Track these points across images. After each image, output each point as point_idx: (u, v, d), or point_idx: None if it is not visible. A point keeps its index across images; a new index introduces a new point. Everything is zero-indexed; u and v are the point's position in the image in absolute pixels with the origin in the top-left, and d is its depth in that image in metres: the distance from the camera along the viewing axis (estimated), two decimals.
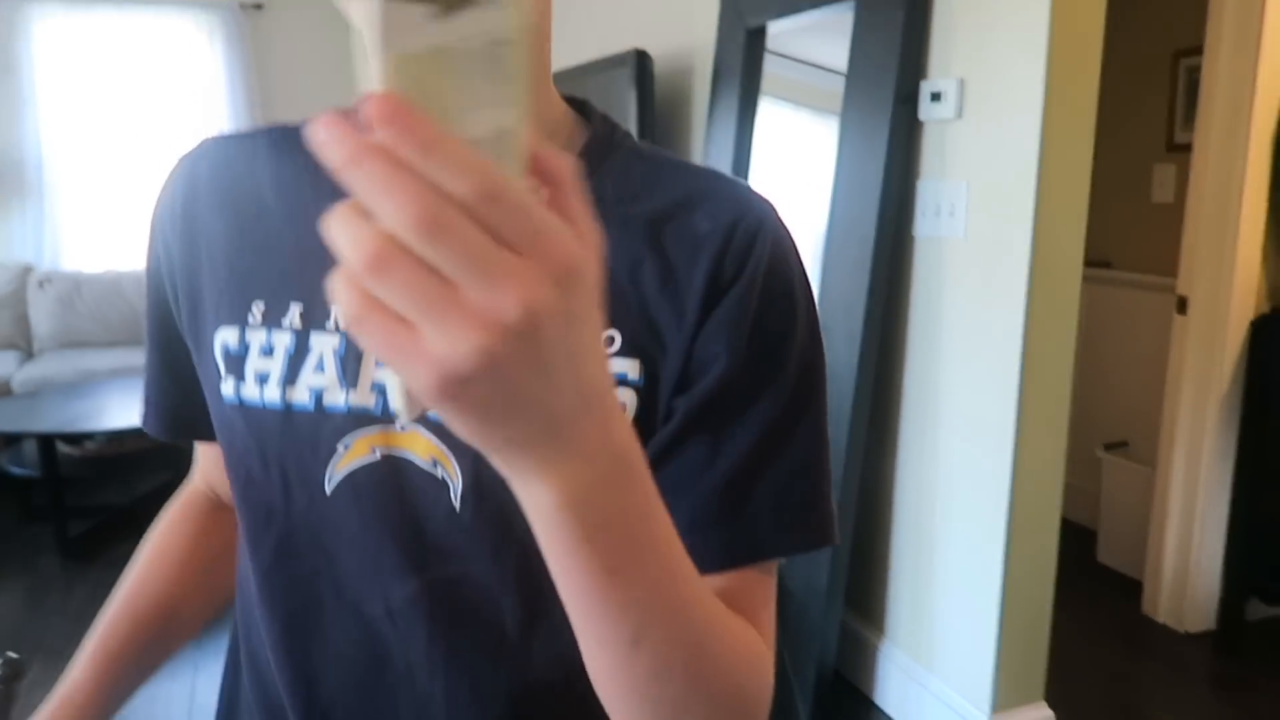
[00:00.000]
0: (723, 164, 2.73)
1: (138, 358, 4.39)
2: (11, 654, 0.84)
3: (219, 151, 0.64)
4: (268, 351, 0.58)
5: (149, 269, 0.66)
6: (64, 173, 4.82)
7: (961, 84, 1.98)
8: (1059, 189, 1.86)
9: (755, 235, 0.57)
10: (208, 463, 0.77)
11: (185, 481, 0.80)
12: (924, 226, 2.11)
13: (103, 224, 4.90)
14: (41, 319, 4.59)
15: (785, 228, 0.60)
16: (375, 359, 0.56)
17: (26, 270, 4.69)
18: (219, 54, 4.87)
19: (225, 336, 0.59)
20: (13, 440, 3.77)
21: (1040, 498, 2.01)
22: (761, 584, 0.57)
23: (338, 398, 0.57)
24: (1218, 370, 2.60)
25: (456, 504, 0.56)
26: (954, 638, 2.14)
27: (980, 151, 1.96)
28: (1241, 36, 2.48)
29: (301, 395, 0.57)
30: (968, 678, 2.09)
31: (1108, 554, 3.11)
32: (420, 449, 0.56)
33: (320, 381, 0.57)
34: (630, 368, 0.55)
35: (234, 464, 0.62)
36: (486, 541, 0.57)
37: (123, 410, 3.53)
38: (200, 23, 4.84)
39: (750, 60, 2.67)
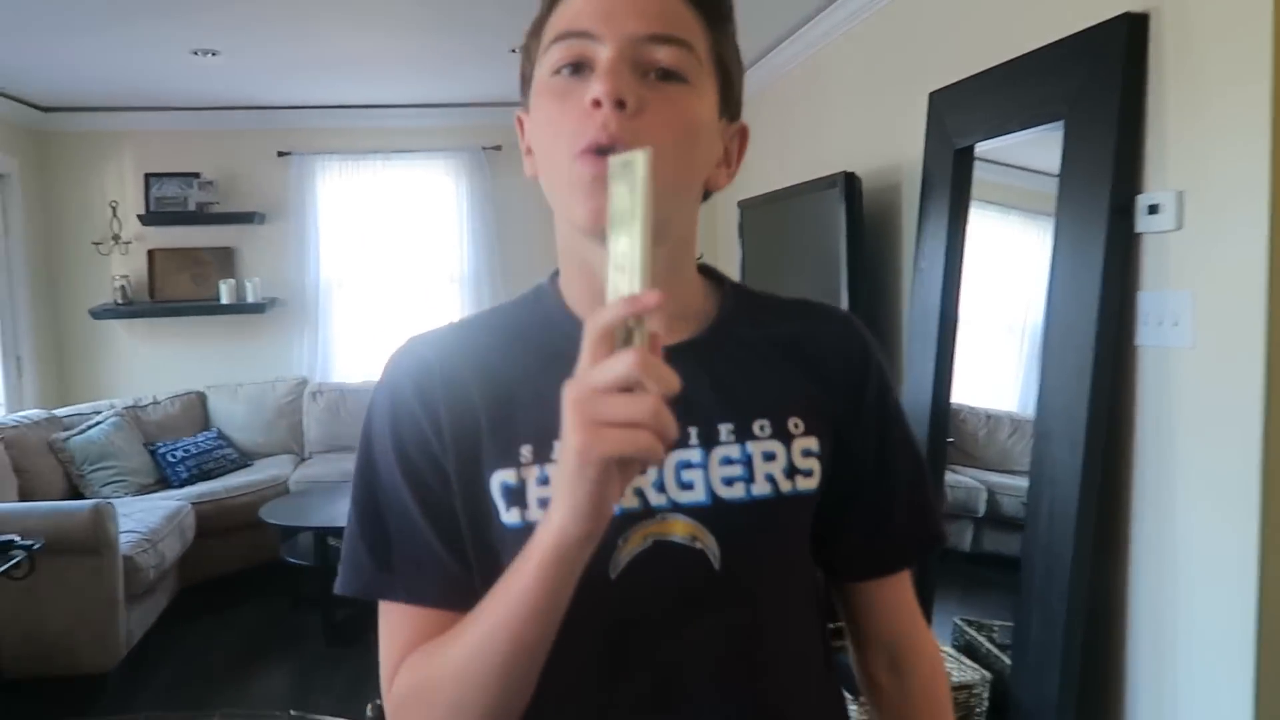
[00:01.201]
0: (934, 273, 2.82)
1: None
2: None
3: (444, 340, 0.80)
4: (543, 481, 0.73)
5: (400, 450, 0.75)
6: (336, 298, 5.53)
7: (1180, 196, 2.01)
8: None
9: (862, 338, 0.85)
10: (423, 636, 0.76)
11: (389, 679, 0.77)
12: (1147, 336, 2.11)
13: (364, 341, 5.56)
14: (312, 425, 5.22)
15: (863, 327, 0.87)
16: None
17: (302, 383, 5.36)
18: (464, 191, 5.50)
19: (502, 477, 0.74)
20: (290, 534, 4.30)
21: None
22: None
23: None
24: None
25: (717, 566, 0.74)
26: None
27: (1204, 261, 1.97)
28: None
29: None
30: None
31: None
32: (681, 530, 0.74)
33: None
34: (813, 443, 0.79)
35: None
36: (745, 594, 0.76)
37: None
38: (449, 166, 5.51)
39: (959, 177, 2.77)
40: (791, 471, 0.76)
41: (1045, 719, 2.20)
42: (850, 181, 3.17)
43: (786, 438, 0.77)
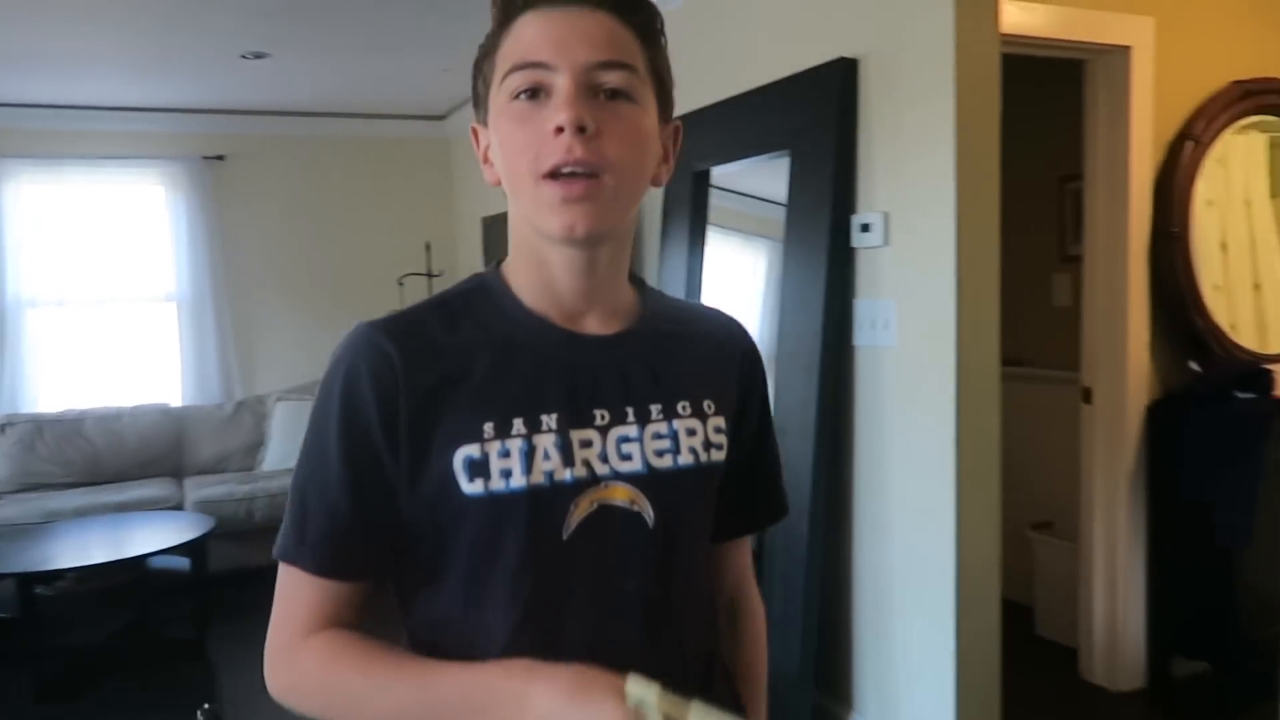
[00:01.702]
0: (677, 286, 3.05)
1: (100, 496, 4.45)
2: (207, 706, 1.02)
3: (400, 327, 0.84)
4: (505, 454, 0.80)
5: (346, 429, 0.80)
6: (30, 319, 4.94)
7: (886, 216, 2.34)
8: (974, 300, 2.20)
9: (749, 339, 0.99)
10: (333, 608, 0.83)
11: (289, 646, 0.83)
12: (862, 337, 2.44)
13: (65, 366, 5.00)
14: (2, 462, 4.62)
15: (747, 332, 1.01)
16: (581, 441, 0.82)
17: None
18: (180, 203, 5.11)
19: (466, 452, 0.79)
20: None
21: (982, 575, 2.27)
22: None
23: (564, 474, 0.81)
24: (1123, 451, 2.95)
25: (651, 525, 0.85)
26: (916, 707, 2.36)
27: (906, 273, 2.31)
28: (1112, 166, 2.93)
29: (540, 478, 0.80)
30: None
31: (1045, 626, 3.39)
32: (622, 495, 0.83)
33: (550, 466, 0.81)
34: (722, 422, 0.91)
35: (475, 548, 0.81)
36: (674, 550, 0.86)
37: (93, 548, 3.59)
38: (163, 175, 5.10)
39: (698, 197, 3.02)
40: (708, 445, 0.88)
41: (787, 688, 2.45)
42: None
43: (703, 416, 0.88)
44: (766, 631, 1.04)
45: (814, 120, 2.48)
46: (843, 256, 2.45)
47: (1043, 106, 3.37)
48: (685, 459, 0.86)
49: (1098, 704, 2.94)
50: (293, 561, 0.83)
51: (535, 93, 0.79)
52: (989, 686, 2.31)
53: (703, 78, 2.92)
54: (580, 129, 0.76)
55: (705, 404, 0.89)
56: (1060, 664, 3.15)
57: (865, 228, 2.39)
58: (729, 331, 0.98)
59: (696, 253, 3.03)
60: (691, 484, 0.87)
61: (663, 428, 0.86)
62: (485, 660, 0.78)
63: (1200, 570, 2.86)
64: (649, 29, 0.83)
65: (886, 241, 2.35)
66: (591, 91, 0.78)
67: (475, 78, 0.86)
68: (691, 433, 0.87)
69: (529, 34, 0.79)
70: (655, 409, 0.86)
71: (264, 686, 0.85)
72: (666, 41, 0.86)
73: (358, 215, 5.47)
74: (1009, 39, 2.33)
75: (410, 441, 0.80)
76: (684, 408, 0.87)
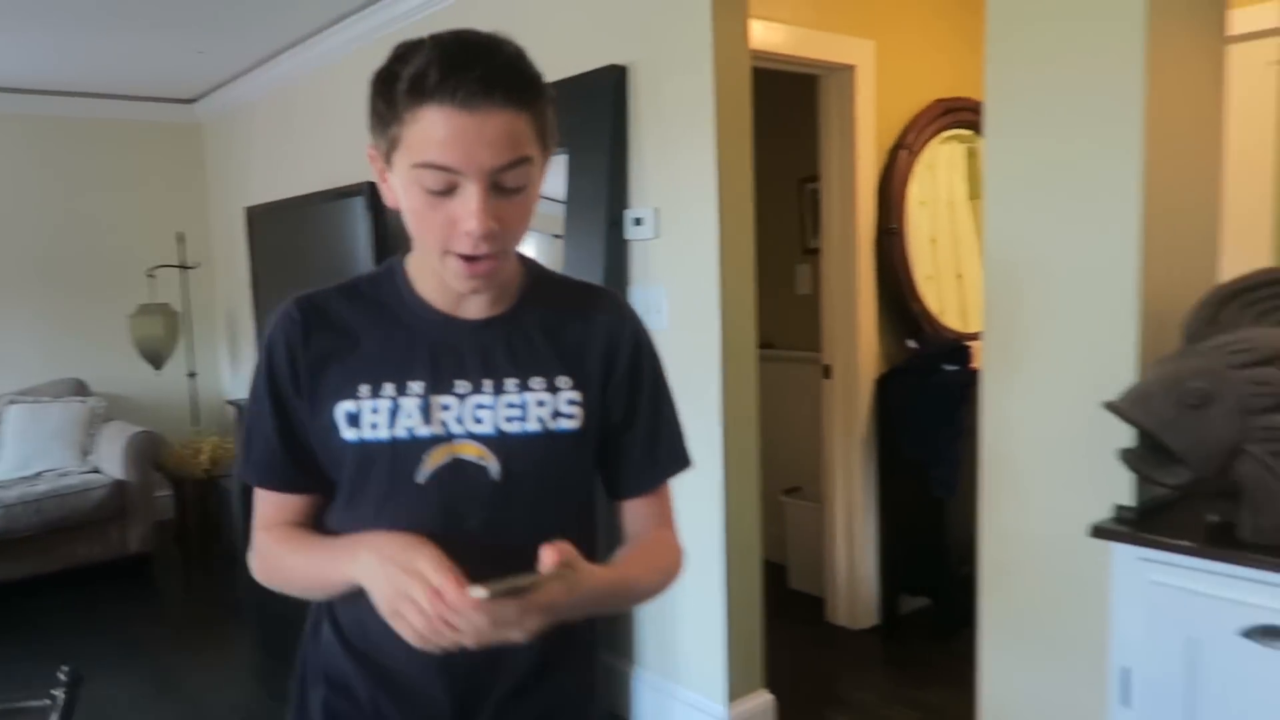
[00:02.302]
0: None
1: None
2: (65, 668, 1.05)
3: (313, 300, 1.05)
4: (375, 411, 1.00)
5: (270, 377, 1.03)
6: None
7: (657, 211, 2.57)
8: (735, 287, 2.47)
9: (624, 319, 1.10)
10: (281, 513, 1.08)
11: (254, 540, 1.09)
12: None
13: None
14: None
15: (632, 308, 1.14)
16: (441, 405, 1.00)
17: None
18: None
19: (345, 407, 1.01)
20: None
21: (747, 536, 2.56)
22: (670, 496, 1.16)
23: (422, 430, 1.00)
24: (858, 420, 3.38)
25: (496, 477, 1.00)
26: (692, 653, 2.61)
27: (675, 262, 2.55)
28: (842, 169, 3.34)
29: (401, 431, 1.00)
30: (706, 680, 2.57)
31: (796, 580, 3.79)
32: (472, 451, 1.00)
33: (410, 423, 1.00)
34: (577, 395, 1.04)
35: (351, 479, 1.02)
36: (513, 499, 1.01)
37: None
38: None
39: None
40: (556, 415, 1.03)
41: None
42: (374, 190, 3.36)
43: (555, 390, 1.03)
44: (659, 577, 1.12)
45: (589, 121, 2.66)
46: (618, 247, 2.65)
47: (784, 116, 3.75)
48: (533, 426, 1.01)
49: (841, 642, 3.36)
50: (243, 477, 1.07)
51: (444, 191, 0.91)
52: (753, 635, 2.60)
53: None
54: (487, 234, 0.91)
55: (559, 380, 1.04)
56: (810, 611, 3.55)
57: (638, 221, 2.60)
58: (604, 313, 1.09)
59: None
60: (538, 447, 1.02)
61: (515, 399, 1.02)
62: None
63: (919, 519, 3.33)
64: (538, 101, 0.95)
65: (658, 234, 2.58)
66: (495, 190, 0.91)
67: (380, 108, 0.93)
68: (541, 404, 1.02)
69: (439, 134, 0.89)
70: (511, 383, 1.02)
71: None
72: (552, 99, 0.98)
73: (100, 205, 5.06)
74: (754, 54, 2.62)
75: (309, 392, 1.02)
76: (537, 383, 1.03)
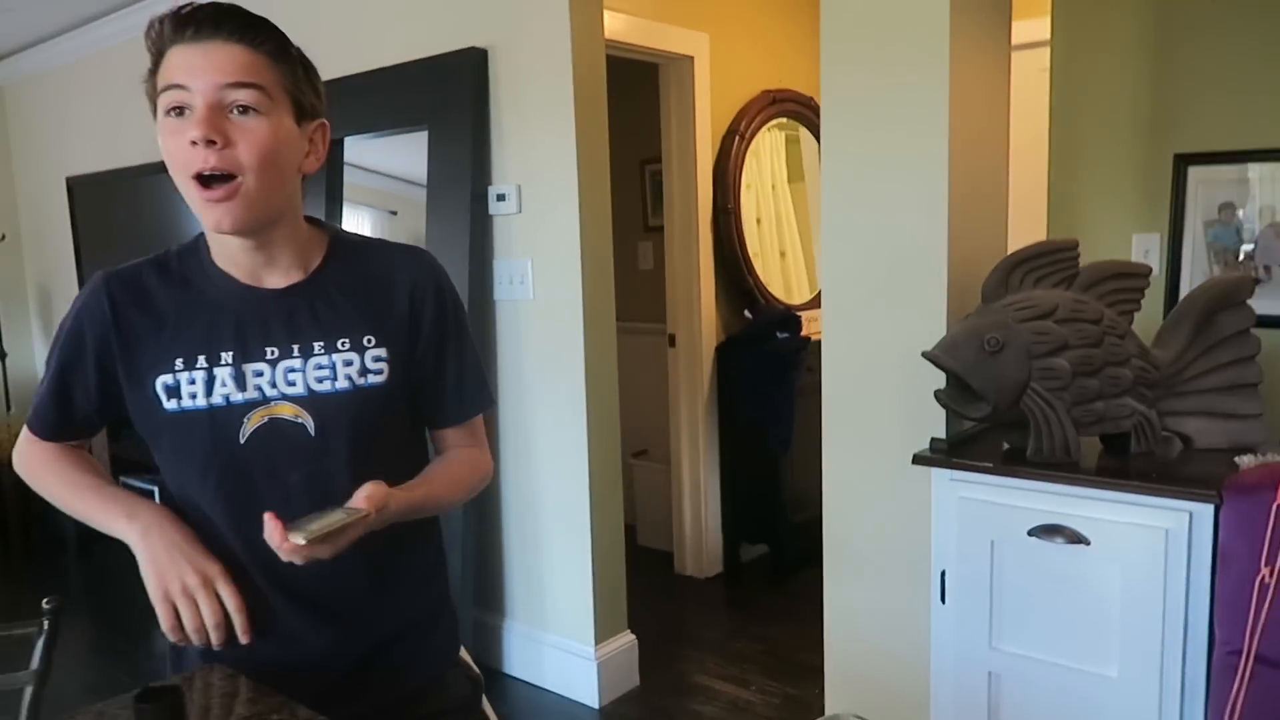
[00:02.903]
0: None
1: None
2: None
3: (123, 278, 1.11)
4: (192, 382, 1.08)
5: (73, 346, 1.10)
6: None
7: (519, 188, 2.72)
8: (594, 258, 2.67)
9: (426, 272, 1.19)
10: (33, 446, 1.20)
11: (24, 435, 1.20)
12: (501, 292, 2.80)
13: None
14: None
15: (437, 263, 1.22)
16: (254, 371, 1.09)
17: None
18: None
19: (164, 379, 1.08)
20: None
21: (609, 487, 2.77)
22: (481, 421, 1.29)
23: (237, 396, 1.08)
24: (700, 385, 3.66)
25: (313, 434, 1.10)
26: (561, 602, 2.80)
27: (538, 235, 2.71)
28: (683, 153, 3.59)
29: (218, 399, 1.08)
30: (575, 626, 2.77)
31: (646, 537, 4.05)
32: (288, 411, 1.09)
33: (226, 391, 1.08)
34: (383, 351, 1.13)
35: (173, 446, 1.10)
36: (330, 451, 1.10)
37: None
38: None
39: (332, 167, 3.16)
40: (364, 371, 1.11)
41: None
42: None
43: (361, 350, 1.11)
44: (462, 490, 1.26)
45: (449, 100, 2.77)
46: (482, 222, 2.79)
47: (625, 101, 3.96)
48: (342, 384, 1.10)
49: (690, 590, 3.64)
50: (27, 421, 1.19)
51: (181, 110, 1.01)
52: (618, 580, 2.82)
53: (340, 48, 3.06)
54: (210, 141, 0.99)
55: (365, 339, 1.12)
56: (660, 565, 3.82)
57: (501, 197, 2.75)
58: (406, 271, 1.17)
59: (334, 211, 3.18)
60: (349, 403, 1.10)
61: (324, 360, 1.10)
62: (201, 526, 1.11)
63: (757, 475, 3.66)
64: (280, 54, 1.05)
65: (520, 209, 2.73)
66: (224, 109, 1.00)
67: (148, 88, 1.06)
68: (349, 364, 1.11)
69: (175, 62, 1.00)
70: (318, 345, 1.10)
71: None
72: (302, 62, 1.09)
73: None
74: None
75: (123, 366, 1.10)
76: (343, 344, 1.11)
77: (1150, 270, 1.80)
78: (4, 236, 4.84)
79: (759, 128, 3.79)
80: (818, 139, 4.05)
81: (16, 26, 4.27)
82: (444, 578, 1.31)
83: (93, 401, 1.13)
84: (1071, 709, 1.70)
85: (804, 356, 3.56)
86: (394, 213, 3.17)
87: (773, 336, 3.64)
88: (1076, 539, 1.64)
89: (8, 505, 4.53)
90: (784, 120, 3.94)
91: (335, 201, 3.17)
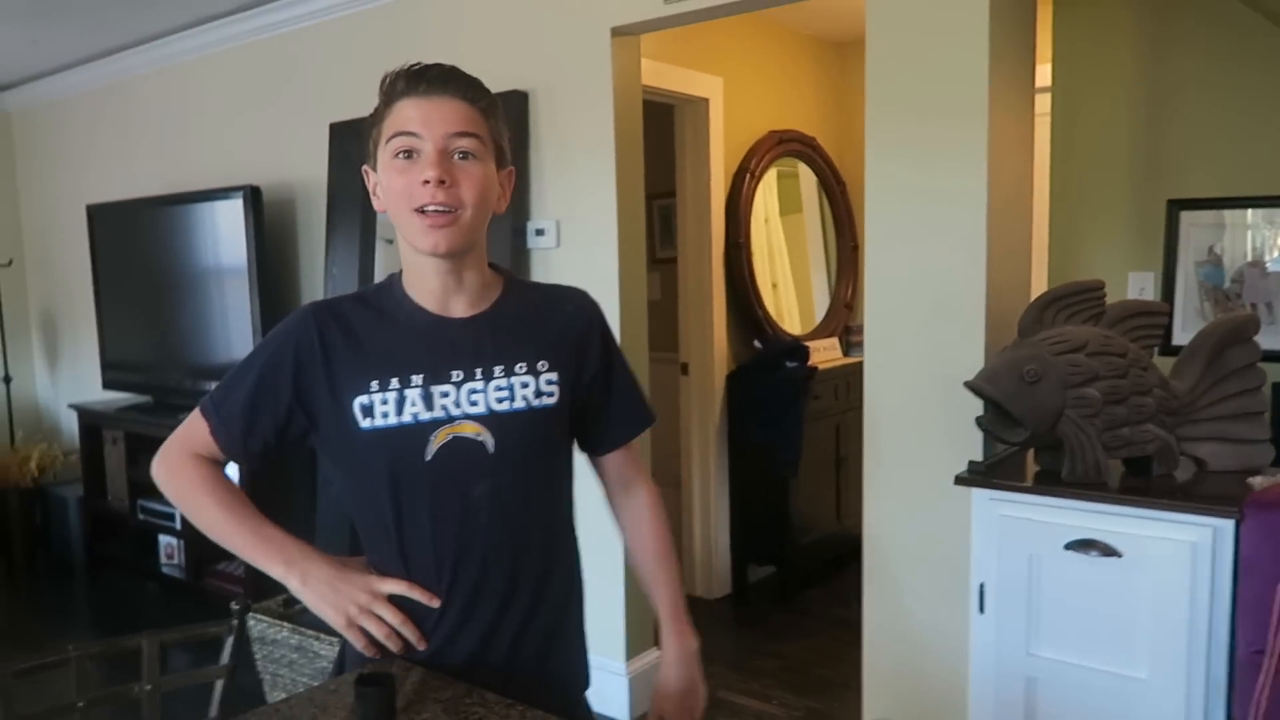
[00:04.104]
0: (347, 276, 3.28)
1: None
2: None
3: (328, 309, 1.24)
4: (385, 402, 1.19)
5: (274, 368, 1.20)
6: None
7: (558, 223, 2.86)
8: (630, 292, 2.81)
9: (589, 311, 1.34)
10: (204, 448, 1.25)
11: (173, 444, 1.27)
12: None
13: None
14: None
15: (593, 299, 1.36)
16: (441, 393, 1.20)
17: None
18: None
19: (360, 400, 1.19)
20: None
21: None
22: (637, 448, 1.43)
23: (425, 415, 1.19)
24: (711, 410, 3.81)
25: (492, 450, 1.21)
26: (593, 619, 2.89)
27: (576, 270, 2.85)
28: (697, 189, 3.76)
29: (407, 418, 1.18)
30: (608, 643, 2.89)
31: None
32: (470, 429, 1.21)
33: (415, 410, 1.19)
34: (555, 375, 1.26)
35: (363, 462, 1.21)
36: (506, 466, 1.22)
37: None
38: None
39: (366, 197, 3.27)
40: (539, 394, 1.23)
41: None
42: (255, 193, 3.42)
43: (536, 374, 1.24)
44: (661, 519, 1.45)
45: None
46: (521, 255, 2.92)
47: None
48: (519, 404, 1.22)
49: (700, 610, 3.76)
50: (207, 418, 1.23)
51: (410, 154, 1.15)
52: (647, 605, 2.93)
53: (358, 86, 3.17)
54: (441, 181, 1.14)
55: (539, 364, 1.24)
56: None
57: (540, 232, 2.89)
58: (572, 305, 1.33)
59: (368, 244, 3.29)
60: (525, 422, 1.23)
61: (503, 382, 1.22)
62: (378, 535, 1.23)
63: (766, 497, 3.80)
64: (491, 109, 1.22)
65: (559, 244, 2.87)
66: (449, 154, 1.16)
67: (370, 134, 1.21)
68: (525, 385, 1.23)
69: (408, 113, 1.15)
70: (498, 369, 1.22)
71: None
72: (503, 115, 1.25)
73: None
74: None
75: (325, 386, 1.21)
76: (520, 367, 1.23)
77: (1169, 309, 1.99)
78: (10, 262, 4.87)
79: (768, 165, 3.98)
80: (816, 174, 4.29)
81: (39, 56, 4.34)
82: (582, 615, 1.49)
83: (278, 424, 1.22)
84: (1104, 710, 1.85)
85: (812, 385, 3.73)
86: None
87: (782, 365, 3.80)
88: (1109, 552, 1.81)
89: (13, 528, 4.53)
90: (788, 159, 4.13)
91: (370, 226, 3.28)
